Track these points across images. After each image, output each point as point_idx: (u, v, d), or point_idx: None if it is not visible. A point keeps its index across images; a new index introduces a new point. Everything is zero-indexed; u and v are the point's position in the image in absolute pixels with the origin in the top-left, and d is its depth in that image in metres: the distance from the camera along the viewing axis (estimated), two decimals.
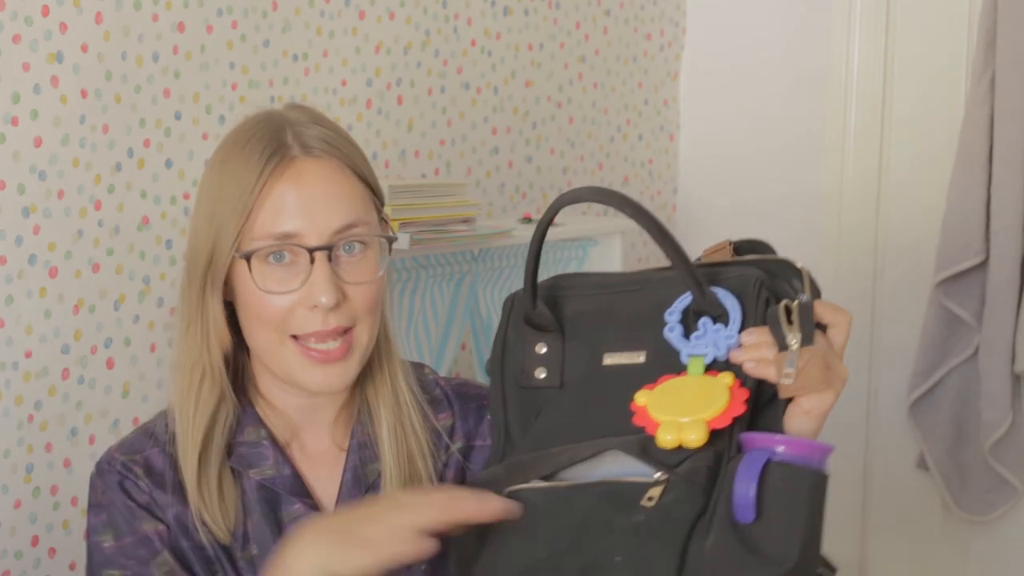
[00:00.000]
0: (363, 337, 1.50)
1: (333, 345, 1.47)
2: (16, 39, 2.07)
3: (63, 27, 2.13)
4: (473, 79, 2.85)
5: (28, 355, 2.13)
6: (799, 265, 1.39)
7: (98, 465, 1.51)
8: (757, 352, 1.31)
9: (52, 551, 2.18)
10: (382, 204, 1.56)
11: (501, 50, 2.90)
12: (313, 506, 1.52)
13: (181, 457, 1.49)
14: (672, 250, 1.33)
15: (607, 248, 2.83)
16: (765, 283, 1.35)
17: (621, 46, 3.18)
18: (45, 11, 2.10)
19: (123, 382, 2.26)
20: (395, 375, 1.56)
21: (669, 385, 1.33)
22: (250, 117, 1.53)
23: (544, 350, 1.43)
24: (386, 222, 1.54)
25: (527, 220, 2.79)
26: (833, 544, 3.44)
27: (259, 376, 1.54)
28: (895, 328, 3.13)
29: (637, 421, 1.31)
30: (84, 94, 2.17)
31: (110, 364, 2.24)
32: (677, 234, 3.31)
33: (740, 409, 1.29)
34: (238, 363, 1.53)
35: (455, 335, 2.62)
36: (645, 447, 1.30)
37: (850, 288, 3.15)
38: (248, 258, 1.45)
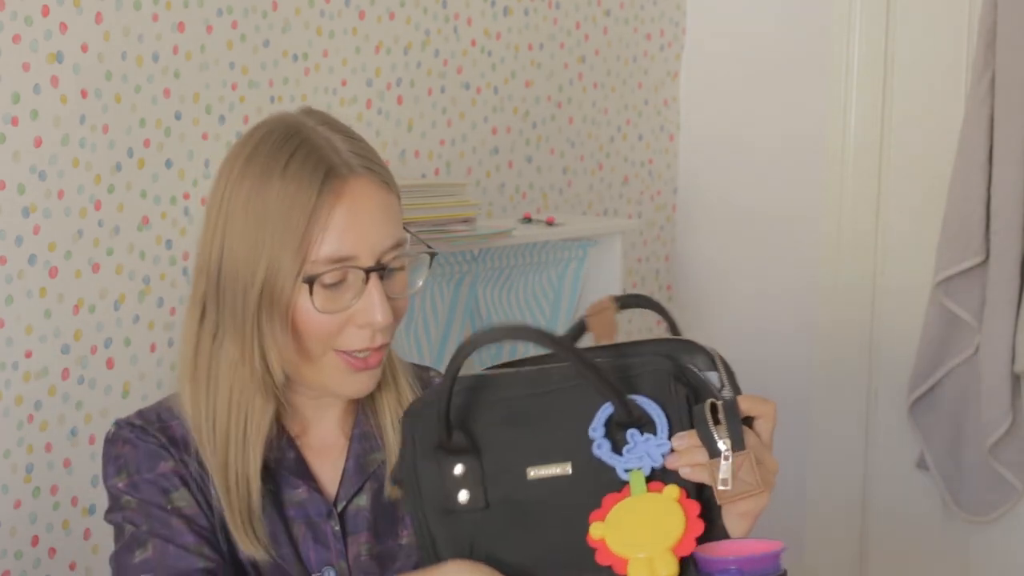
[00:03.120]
0: (390, 343, 1.54)
1: (369, 352, 1.50)
2: (16, 39, 2.07)
3: (63, 27, 2.13)
4: (473, 79, 2.85)
5: (28, 355, 2.13)
6: (708, 348, 1.37)
7: (116, 423, 1.53)
8: (690, 457, 1.32)
9: (52, 551, 2.18)
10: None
11: (501, 50, 2.90)
12: (316, 490, 1.54)
13: (227, 478, 1.50)
14: (593, 375, 1.31)
15: (607, 248, 2.83)
16: (678, 376, 1.34)
17: (621, 46, 3.18)
18: (45, 11, 2.10)
19: (123, 382, 2.26)
20: (397, 373, 1.60)
21: (620, 511, 1.31)
22: (270, 130, 1.50)
23: (461, 471, 1.36)
24: (410, 232, 1.55)
25: (527, 220, 2.79)
26: (833, 544, 3.45)
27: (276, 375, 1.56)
28: (895, 328, 3.12)
29: (601, 560, 1.30)
30: (84, 94, 2.17)
31: (110, 364, 2.24)
32: (677, 234, 3.31)
33: (698, 528, 1.29)
34: None
35: (455, 335, 2.62)
36: None
37: (850, 288, 3.15)
38: (311, 283, 1.46)
